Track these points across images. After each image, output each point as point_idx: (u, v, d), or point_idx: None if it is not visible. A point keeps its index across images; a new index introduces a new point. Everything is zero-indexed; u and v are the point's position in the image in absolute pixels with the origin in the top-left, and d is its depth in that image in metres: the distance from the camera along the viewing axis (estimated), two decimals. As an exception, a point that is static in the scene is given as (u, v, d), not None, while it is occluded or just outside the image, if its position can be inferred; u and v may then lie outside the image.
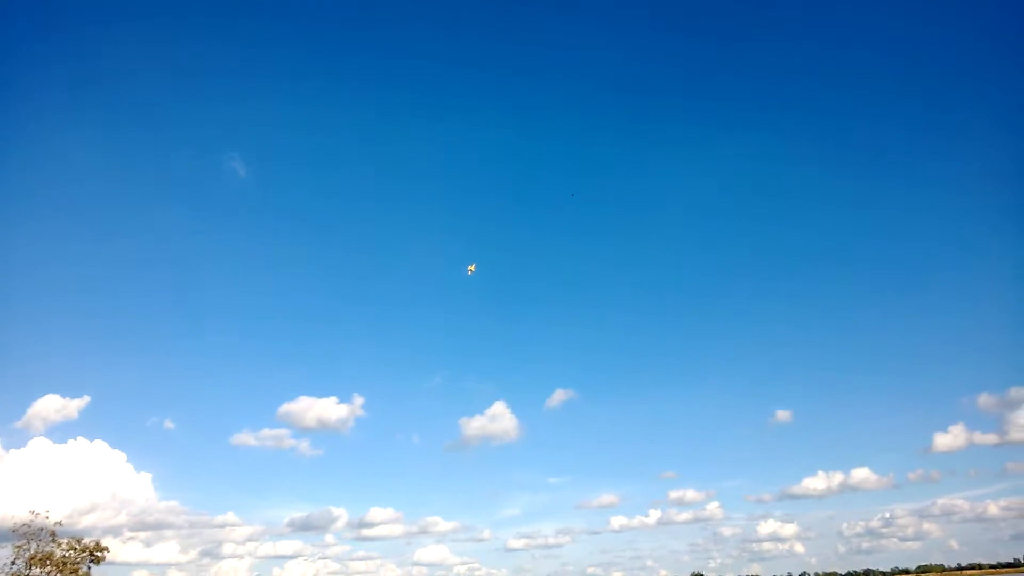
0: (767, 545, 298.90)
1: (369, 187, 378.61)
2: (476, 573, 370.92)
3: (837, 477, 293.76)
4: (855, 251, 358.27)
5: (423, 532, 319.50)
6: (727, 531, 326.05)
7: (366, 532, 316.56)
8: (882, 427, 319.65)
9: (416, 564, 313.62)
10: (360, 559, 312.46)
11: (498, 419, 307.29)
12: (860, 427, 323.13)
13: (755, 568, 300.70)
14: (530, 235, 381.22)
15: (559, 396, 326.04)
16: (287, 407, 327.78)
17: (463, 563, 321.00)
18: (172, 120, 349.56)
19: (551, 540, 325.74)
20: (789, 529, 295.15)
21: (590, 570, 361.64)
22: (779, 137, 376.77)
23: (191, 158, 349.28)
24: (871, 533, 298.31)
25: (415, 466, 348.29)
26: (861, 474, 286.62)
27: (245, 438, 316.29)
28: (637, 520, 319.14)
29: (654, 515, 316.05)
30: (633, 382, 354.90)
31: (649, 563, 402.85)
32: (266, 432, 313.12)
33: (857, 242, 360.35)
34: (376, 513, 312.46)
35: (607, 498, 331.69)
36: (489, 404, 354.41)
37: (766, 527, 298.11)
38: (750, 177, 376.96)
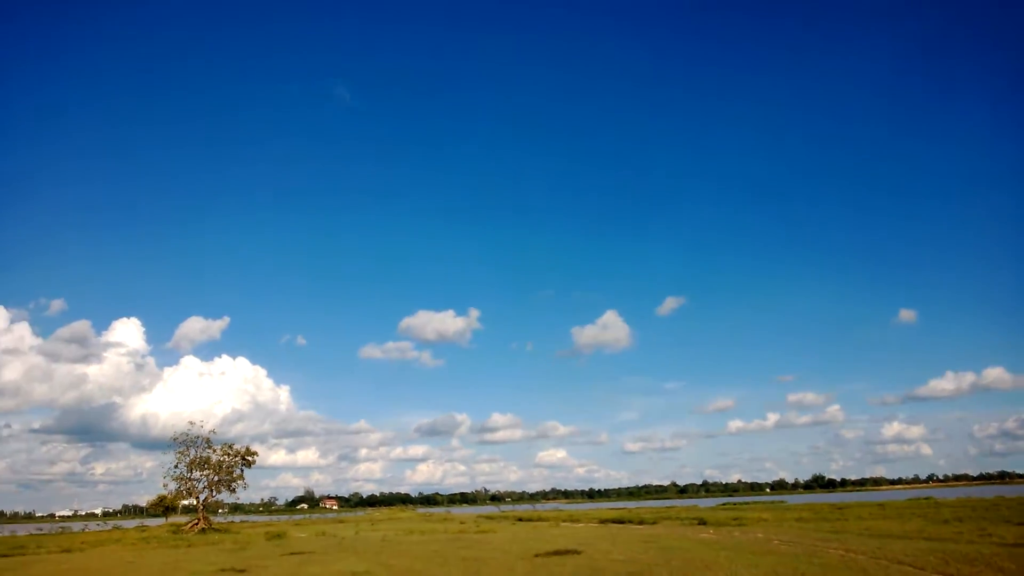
0: (891, 447, 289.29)
1: (477, 109, 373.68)
2: (595, 474, 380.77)
3: (968, 378, 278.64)
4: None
5: (542, 436, 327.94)
6: (848, 434, 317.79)
7: (488, 436, 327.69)
8: (1018, 325, 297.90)
9: (538, 466, 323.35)
10: (484, 461, 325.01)
11: (610, 327, 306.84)
12: (992, 325, 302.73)
13: (879, 470, 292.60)
14: (637, 137, 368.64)
15: (670, 303, 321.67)
16: (408, 321, 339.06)
17: (582, 464, 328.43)
18: (283, 50, 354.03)
19: (668, 443, 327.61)
20: (915, 431, 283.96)
21: (708, 471, 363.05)
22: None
23: (301, 87, 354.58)
24: (1006, 435, 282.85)
25: (530, 374, 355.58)
26: (994, 374, 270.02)
27: (371, 351, 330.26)
28: (755, 424, 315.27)
29: (772, 418, 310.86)
30: (745, 285, 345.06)
31: (768, 464, 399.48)
32: (390, 345, 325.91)
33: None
34: (497, 419, 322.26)
35: (722, 402, 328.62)
36: (600, 313, 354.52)
37: (890, 430, 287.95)
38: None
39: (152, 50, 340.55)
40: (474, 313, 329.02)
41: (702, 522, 53.75)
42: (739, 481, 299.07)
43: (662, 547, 32.57)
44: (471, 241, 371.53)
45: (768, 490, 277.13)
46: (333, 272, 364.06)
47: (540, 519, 72.43)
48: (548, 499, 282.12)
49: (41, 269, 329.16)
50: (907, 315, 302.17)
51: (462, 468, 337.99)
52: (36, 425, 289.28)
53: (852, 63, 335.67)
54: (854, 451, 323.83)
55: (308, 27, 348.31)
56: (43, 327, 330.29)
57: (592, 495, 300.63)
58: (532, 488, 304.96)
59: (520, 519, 74.89)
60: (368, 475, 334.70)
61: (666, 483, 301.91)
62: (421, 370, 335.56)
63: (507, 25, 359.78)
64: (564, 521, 64.99)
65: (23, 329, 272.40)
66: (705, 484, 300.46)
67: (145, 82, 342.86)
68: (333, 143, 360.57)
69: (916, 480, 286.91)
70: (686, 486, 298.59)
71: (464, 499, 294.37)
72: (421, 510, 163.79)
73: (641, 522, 58.00)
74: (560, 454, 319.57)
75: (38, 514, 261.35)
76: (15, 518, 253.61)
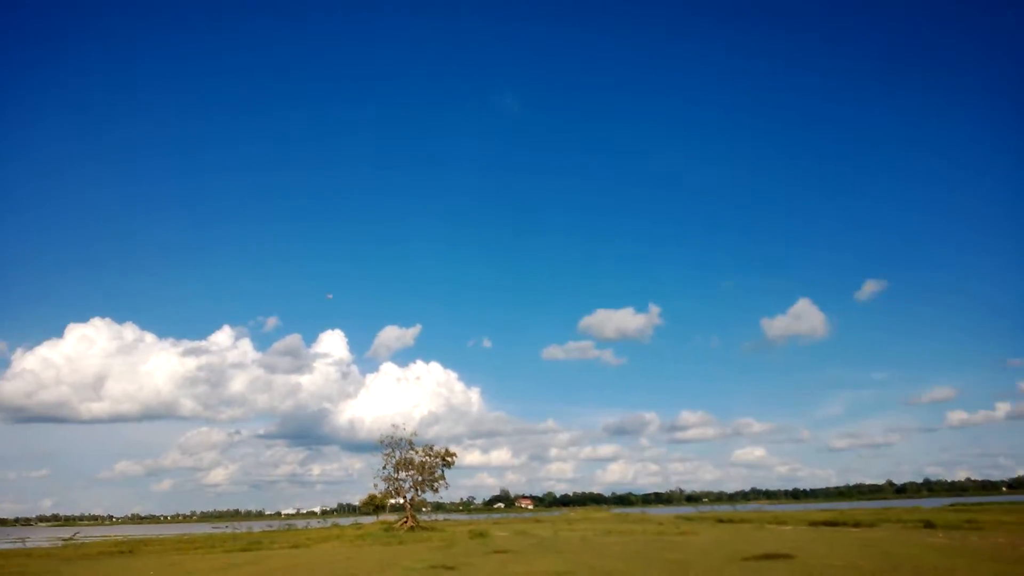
0: None
1: (651, 112, 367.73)
2: (798, 473, 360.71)
3: None
4: None
5: (737, 433, 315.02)
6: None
7: (679, 435, 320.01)
8: None
9: (734, 464, 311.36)
10: (677, 460, 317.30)
11: (803, 316, 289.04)
12: None
13: None
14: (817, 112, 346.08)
15: (870, 287, 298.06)
16: (587, 320, 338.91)
17: (783, 463, 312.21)
18: (450, 61, 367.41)
19: (879, 439, 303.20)
20: None
21: (929, 468, 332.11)
22: None
23: (468, 97, 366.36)
24: None
25: (718, 370, 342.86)
26: None
27: (554, 351, 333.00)
28: (981, 415, 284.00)
29: (1002, 408, 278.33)
30: (957, 262, 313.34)
31: (1003, 460, 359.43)
32: (571, 345, 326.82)
33: None
34: (687, 416, 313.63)
35: (941, 392, 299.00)
36: (791, 301, 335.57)
37: None
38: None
39: (327, 70, 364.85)
40: (654, 309, 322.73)
41: (929, 524, 49.13)
42: (968, 479, 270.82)
43: (885, 553, 29.98)
44: (646, 237, 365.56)
45: (1004, 489, 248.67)
46: (514, 275, 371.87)
47: (742, 520, 69.64)
48: (748, 499, 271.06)
49: (259, 290, 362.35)
50: None
51: (654, 467, 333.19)
52: (261, 431, 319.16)
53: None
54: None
55: (473, 36, 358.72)
56: (261, 342, 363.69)
57: (796, 495, 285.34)
58: (730, 488, 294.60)
59: (721, 520, 72.40)
60: (560, 475, 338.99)
61: (880, 482, 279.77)
62: (604, 369, 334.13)
63: (677, 27, 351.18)
64: (769, 523, 62.02)
65: (246, 345, 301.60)
66: (927, 483, 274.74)
67: (324, 101, 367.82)
68: (502, 150, 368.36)
69: None
70: (904, 485, 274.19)
71: (659, 499, 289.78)
72: (615, 510, 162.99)
73: (857, 524, 54.04)
74: (758, 452, 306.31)
75: (267, 512, 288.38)
76: (249, 516, 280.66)
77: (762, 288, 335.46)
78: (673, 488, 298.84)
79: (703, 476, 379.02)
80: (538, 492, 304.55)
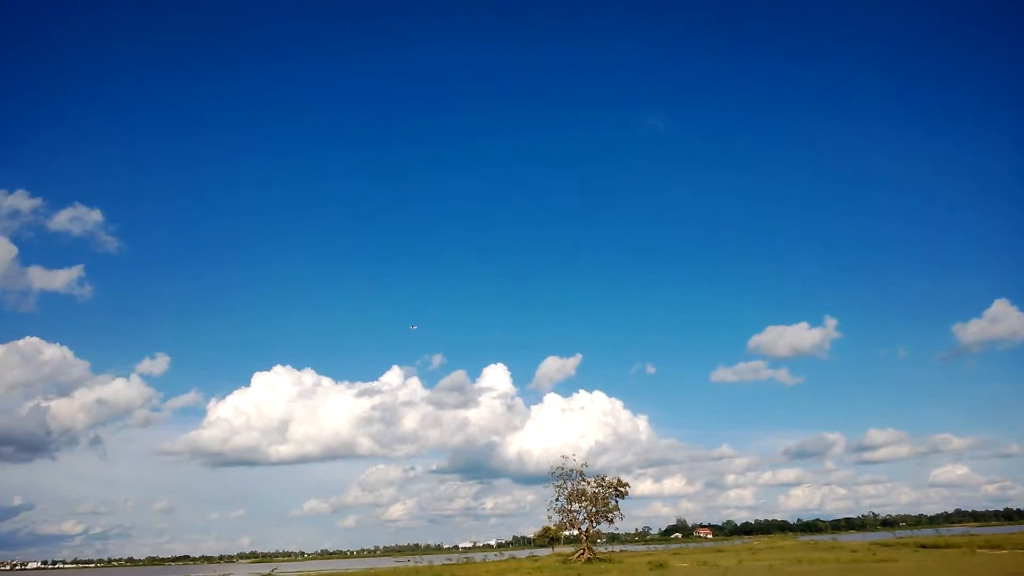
0: None
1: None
2: (1010, 492, 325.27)
3: None
4: None
5: (934, 451, 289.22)
6: None
7: (867, 455, 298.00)
8: None
9: (933, 485, 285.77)
10: (867, 482, 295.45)
11: (1001, 319, 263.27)
12: None
13: None
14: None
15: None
16: (757, 339, 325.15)
17: (990, 481, 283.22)
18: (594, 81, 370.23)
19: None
20: None
21: None
22: None
23: (613, 116, 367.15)
24: None
25: (908, 383, 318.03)
26: None
27: (723, 374, 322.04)
28: None
29: None
30: None
31: None
32: (742, 366, 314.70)
33: None
34: (875, 435, 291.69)
35: None
36: (987, 304, 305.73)
37: None
38: None
39: (469, 86, 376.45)
40: (831, 322, 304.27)
41: None
42: None
43: None
44: (815, 245, 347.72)
45: None
46: (675, 298, 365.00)
47: (948, 545, 63.49)
48: (952, 522, 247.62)
49: (423, 330, 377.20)
50: None
51: (842, 491, 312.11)
52: (434, 466, 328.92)
53: None
54: None
55: (619, 54, 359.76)
56: (429, 380, 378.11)
57: (1009, 516, 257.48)
58: (930, 510, 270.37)
59: (923, 546, 66.42)
60: (739, 502, 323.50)
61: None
62: (779, 389, 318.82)
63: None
64: (980, 547, 56.13)
65: (415, 383, 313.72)
66: None
67: (471, 133, 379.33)
68: (650, 167, 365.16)
69: None
70: None
71: (850, 525, 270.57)
72: (803, 538, 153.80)
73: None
74: (960, 470, 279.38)
75: (445, 546, 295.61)
76: (428, 550, 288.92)
77: (952, 292, 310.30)
78: (865, 513, 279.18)
79: (898, 499, 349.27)
80: (716, 521, 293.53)
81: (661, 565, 54.40)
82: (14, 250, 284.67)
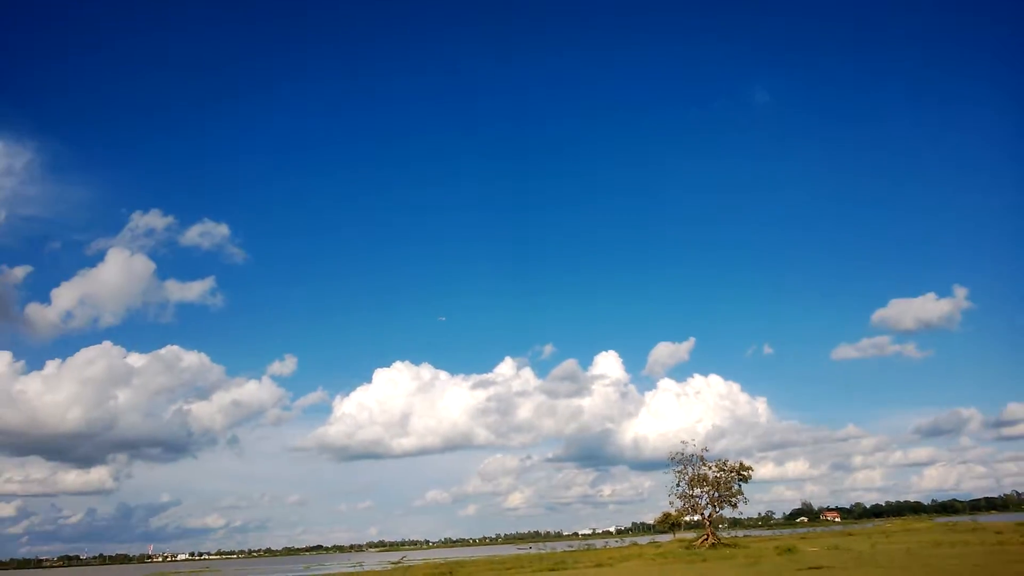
0: None
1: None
2: None
3: None
4: None
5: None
6: None
7: (1007, 431, 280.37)
8: None
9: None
10: (1008, 460, 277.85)
11: None
12: None
13: None
14: None
15: None
16: (881, 313, 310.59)
17: None
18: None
19: None
20: None
21: None
22: None
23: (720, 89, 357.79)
24: None
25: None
26: None
27: (845, 351, 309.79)
28: None
29: None
30: None
31: None
32: (865, 342, 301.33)
33: None
34: (1016, 409, 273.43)
35: None
36: None
37: None
38: None
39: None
40: (960, 292, 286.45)
41: None
42: None
43: None
44: (940, 212, 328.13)
45: None
46: (791, 275, 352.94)
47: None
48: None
49: (533, 321, 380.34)
50: None
51: (981, 470, 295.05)
52: (550, 455, 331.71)
53: None
54: None
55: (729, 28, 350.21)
56: (541, 369, 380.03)
57: None
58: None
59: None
60: (867, 483, 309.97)
61: None
62: (906, 364, 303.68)
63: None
64: None
65: (527, 374, 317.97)
66: None
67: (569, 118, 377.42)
68: (757, 140, 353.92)
69: None
70: None
71: (990, 505, 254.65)
72: (939, 519, 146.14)
73: None
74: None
75: (564, 533, 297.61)
76: (548, 537, 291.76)
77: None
78: (1007, 492, 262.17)
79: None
80: (844, 503, 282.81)
81: (790, 550, 53.07)
82: (152, 266, 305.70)
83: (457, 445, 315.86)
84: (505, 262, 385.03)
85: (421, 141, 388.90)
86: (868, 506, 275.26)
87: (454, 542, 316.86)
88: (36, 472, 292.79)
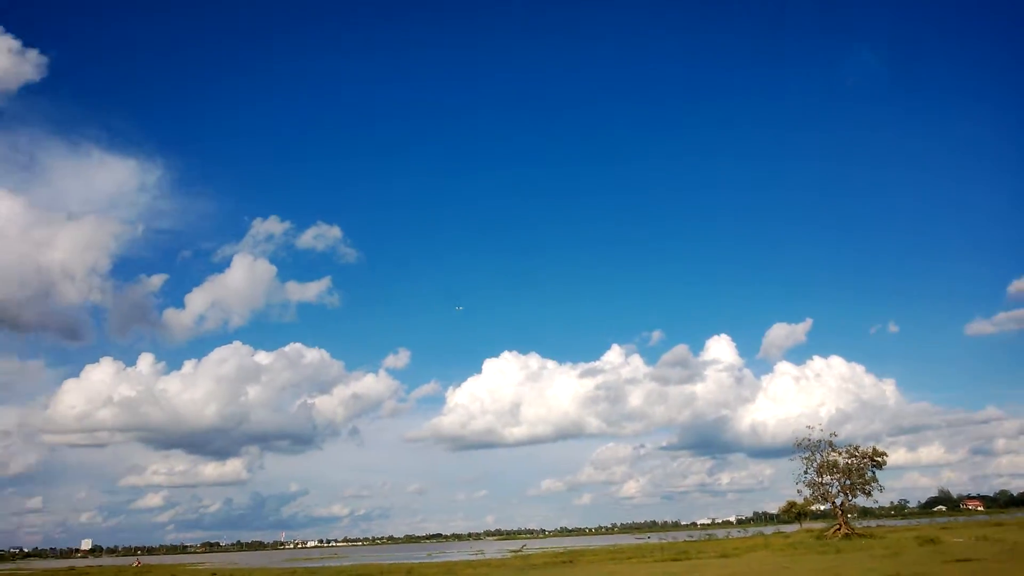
0: None
1: None
2: None
3: None
4: None
5: None
6: None
7: None
8: None
9: None
10: None
11: None
12: None
13: None
14: None
15: None
16: (1017, 284, 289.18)
17: None
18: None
19: None
20: None
21: None
22: None
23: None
24: None
25: None
26: None
27: (980, 326, 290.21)
28: None
29: None
30: None
31: None
32: (1002, 316, 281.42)
33: None
34: None
35: None
36: None
37: None
38: None
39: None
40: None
41: None
42: None
43: None
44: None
45: None
46: (916, 247, 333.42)
47: None
48: None
49: (639, 306, 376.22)
50: None
51: None
52: (664, 443, 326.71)
53: None
54: None
55: None
56: (650, 356, 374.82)
57: None
58: None
59: None
60: (1013, 469, 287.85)
61: None
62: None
63: None
64: None
65: (636, 360, 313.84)
66: None
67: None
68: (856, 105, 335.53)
69: None
70: None
71: None
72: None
73: None
74: None
75: (682, 523, 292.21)
76: (665, 526, 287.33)
77: None
78: None
79: None
80: (987, 491, 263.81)
81: (932, 540, 49.52)
82: (273, 269, 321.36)
83: (569, 434, 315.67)
84: (607, 249, 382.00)
85: (525, 137, 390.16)
86: (1015, 494, 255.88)
87: (570, 531, 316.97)
88: (179, 465, 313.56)
